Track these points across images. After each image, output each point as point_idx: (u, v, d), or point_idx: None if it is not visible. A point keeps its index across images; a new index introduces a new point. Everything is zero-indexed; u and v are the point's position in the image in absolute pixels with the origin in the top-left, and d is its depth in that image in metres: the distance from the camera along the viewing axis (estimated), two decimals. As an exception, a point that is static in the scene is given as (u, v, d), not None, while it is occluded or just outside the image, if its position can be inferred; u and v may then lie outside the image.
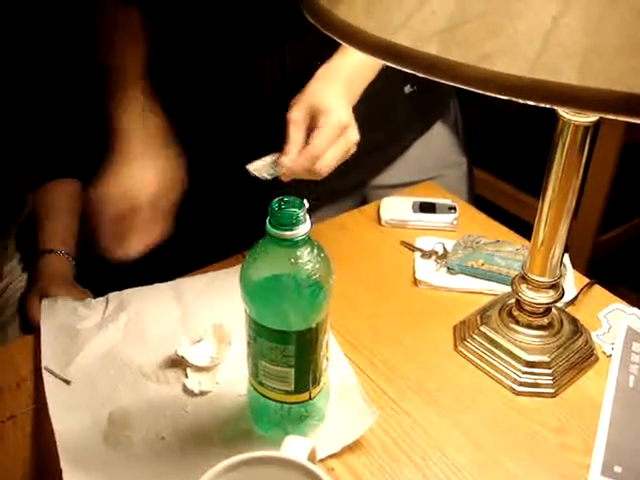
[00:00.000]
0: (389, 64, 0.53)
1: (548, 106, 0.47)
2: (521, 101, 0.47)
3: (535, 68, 0.46)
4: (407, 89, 1.20)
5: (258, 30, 1.02)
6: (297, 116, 0.91)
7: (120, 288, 0.97)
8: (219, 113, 1.05)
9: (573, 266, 1.03)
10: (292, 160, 0.89)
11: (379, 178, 1.28)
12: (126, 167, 0.92)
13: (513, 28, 0.47)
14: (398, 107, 1.20)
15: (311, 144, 0.90)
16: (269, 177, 0.90)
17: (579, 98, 0.45)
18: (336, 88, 0.94)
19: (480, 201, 1.31)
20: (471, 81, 0.48)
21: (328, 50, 0.97)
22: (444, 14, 0.50)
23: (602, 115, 0.46)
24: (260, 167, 0.91)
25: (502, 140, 2.45)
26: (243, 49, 1.03)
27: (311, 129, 0.91)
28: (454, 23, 0.49)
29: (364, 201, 1.27)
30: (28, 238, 1.20)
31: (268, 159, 0.91)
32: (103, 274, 1.15)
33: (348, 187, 1.25)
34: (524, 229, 1.04)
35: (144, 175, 0.92)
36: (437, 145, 1.31)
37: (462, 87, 0.49)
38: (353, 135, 0.93)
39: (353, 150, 0.95)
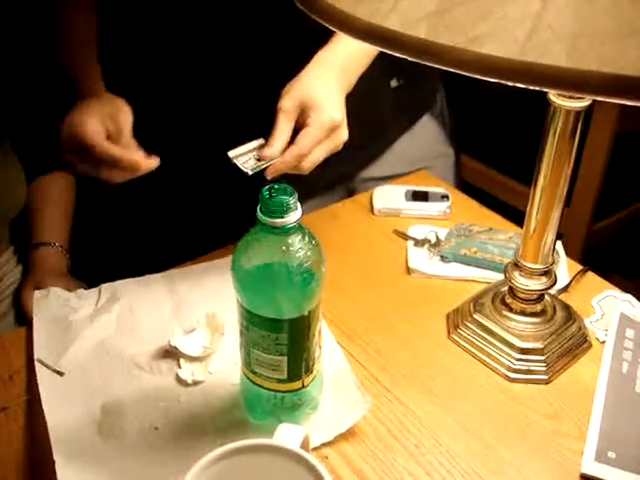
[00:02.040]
0: (379, 49, 0.53)
1: (538, 88, 0.47)
2: (510, 84, 0.47)
3: (524, 50, 0.46)
4: (393, 83, 1.19)
5: (239, 35, 1.01)
6: (288, 106, 0.89)
7: (113, 279, 0.97)
8: (203, 109, 1.05)
9: (567, 254, 1.03)
10: (274, 153, 0.87)
11: (366, 171, 1.27)
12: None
13: (502, 11, 0.47)
14: (384, 102, 1.20)
15: (298, 143, 0.88)
16: (250, 173, 0.88)
17: (568, 80, 0.45)
18: (330, 79, 0.92)
19: (472, 189, 1.30)
20: (461, 64, 0.48)
21: (309, 52, 0.96)
22: (433, -3, 0.50)
23: (592, 97, 0.46)
24: (241, 155, 0.88)
25: (493, 128, 2.45)
26: (224, 53, 1.02)
27: (300, 122, 0.89)
28: (443, 6, 0.49)
29: (351, 194, 1.26)
30: (22, 230, 1.20)
31: (250, 146, 0.89)
32: (96, 266, 1.15)
33: (334, 180, 1.25)
34: (516, 217, 1.04)
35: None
36: (424, 137, 1.30)
37: (452, 70, 0.49)
38: (343, 135, 0.91)
39: (340, 147, 0.93)
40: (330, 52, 0.95)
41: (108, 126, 0.91)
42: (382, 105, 1.19)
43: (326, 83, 0.92)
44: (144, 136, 0.94)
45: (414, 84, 1.21)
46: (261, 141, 0.90)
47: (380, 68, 1.07)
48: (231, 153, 0.88)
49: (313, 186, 1.20)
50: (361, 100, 0.99)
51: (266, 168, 0.88)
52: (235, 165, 0.88)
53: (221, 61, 1.04)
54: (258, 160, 0.88)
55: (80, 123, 0.90)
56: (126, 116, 0.92)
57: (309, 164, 0.89)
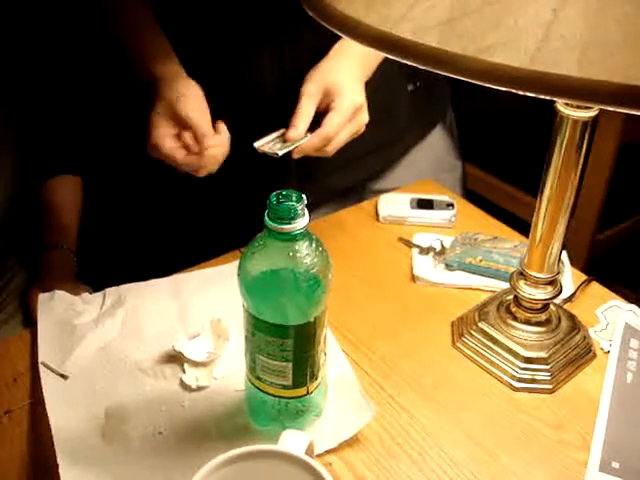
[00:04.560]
0: (389, 56, 0.53)
1: (548, 98, 0.47)
2: (521, 93, 0.47)
3: (535, 60, 0.46)
4: (410, 87, 1.20)
5: (256, 26, 1.02)
6: (311, 90, 0.93)
7: (118, 283, 0.97)
8: (217, 109, 1.06)
9: (571, 264, 1.03)
10: (299, 135, 0.91)
11: (377, 182, 1.28)
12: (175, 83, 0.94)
13: (513, 20, 0.48)
14: (401, 105, 1.21)
15: (325, 126, 0.92)
16: (279, 153, 0.90)
17: (579, 90, 0.45)
18: (351, 66, 0.96)
19: (477, 199, 1.31)
20: (471, 73, 0.48)
21: (327, 46, 0.97)
22: (444, 6, 0.50)
23: (602, 107, 0.46)
24: (267, 143, 0.92)
25: (499, 138, 2.45)
26: (241, 45, 1.03)
27: (323, 106, 0.93)
28: (454, 15, 0.49)
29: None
30: (29, 233, 1.20)
31: (273, 135, 0.92)
32: (102, 269, 1.15)
33: (347, 187, 1.25)
34: (521, 227, 1.04)
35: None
36: (434, 149, 1.31)
37: (462, 79, 0.49)
38: (364, 117, 0.95)
39: (362, 130, 0.96)
40: (347, 43, 0.98)
41: (179, 127, 0.93)
42: (398, 109, 1.20)
43: (347, 69, 0.95)
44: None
45: (430, 88, 1.22)
46: (283, 130, 0.93)
47: (398, 71, 1.09)
48: (257, 143, 0.93)
49: (327, 193, 1.20)
50: (378, 103, 1.01)
51: (293, 150, 0.93)
52: (263, 153, 0.91)
53: (238, 56, 1.04)
54: (284, 143, 0.91)
55: (155, 147, 0.92)
56: (186, 103, 0.92)
57: (333, 147, 0.93)
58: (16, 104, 1.13)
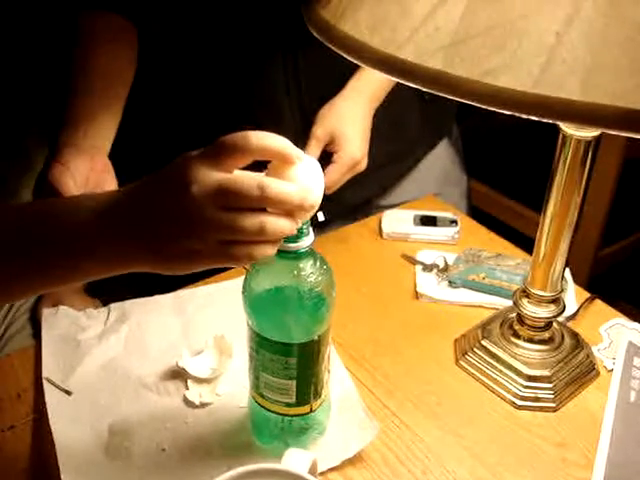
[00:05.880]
0: (394, 79, 0.54)
1: (550, 121, 0.47)
2: (524, 116, 0.47)
3: (538, 83, 0.46)
4: (419, 104, 1.21)
5: (271, 39, 1.03)
6: (320, 134, 1.00)
7: (123, 299, 0.97)
8: (231, 122, 1.06)
9: (574, 281, 1.03)
10: None
11: (386, 198, 1.28)
12: None
13: (517, 44, 0.48)
14: (412, 118, 1.22)
15: (325, 177, 0.97)
16: None
17: (581, 114, 0.45)
18: (362, 110, 1.03)
19: (481, 215, 1.31)
20: (475, 96, 0.49)
21: (342, 59, 0.98)
22: (448, 30, 0.51)
23: (604, 131, 0.47)
24: None
25: (503, 154, 2.46)
26: (256, 58, 1.04)
27: (327, 150, 1.00)
28: (458, 39, 0.50)
29: None
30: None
31: None
32: (106, 284, 1.15)
33: (358, 203, 1.25)
34: (525, 243, 1.04)
35: None
36: (441, 163, 1.32)
37: (466, 102, 0.49)
38: (361, 167, 1.03)
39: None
40: (362, 81, 1.04)
41: None
42: (409, 122, 1.23)
43: (357, 116, 1.03)
44: (166, 147, 0.95)
45: (438, 100, 1.24)
46: None
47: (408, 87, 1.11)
48: None
49: (339, 210, 1.21)
50: (389, 116, 1.04)
51: None
52: None
53: (252, 69, 1.06)
54: None
55: None
56: None
57: (330, 191, 1.00)
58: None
